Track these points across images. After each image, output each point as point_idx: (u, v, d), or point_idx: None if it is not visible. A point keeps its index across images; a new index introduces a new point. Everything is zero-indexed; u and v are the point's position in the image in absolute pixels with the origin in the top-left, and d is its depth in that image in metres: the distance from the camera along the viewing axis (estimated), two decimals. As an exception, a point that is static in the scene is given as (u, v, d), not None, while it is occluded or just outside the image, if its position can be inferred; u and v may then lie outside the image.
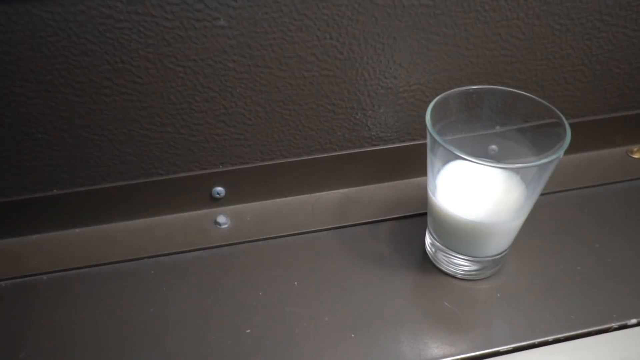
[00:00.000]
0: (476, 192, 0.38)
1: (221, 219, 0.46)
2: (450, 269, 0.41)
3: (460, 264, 0.40)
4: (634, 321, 0.37)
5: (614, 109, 0.50)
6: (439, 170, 0.37)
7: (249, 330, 0.38)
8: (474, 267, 0.40)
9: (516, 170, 0.36)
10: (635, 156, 0.51)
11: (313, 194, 0.48)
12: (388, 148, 0.47)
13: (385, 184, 0.49)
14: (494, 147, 0.40)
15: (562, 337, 0.37)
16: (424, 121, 0.35)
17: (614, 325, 0.37)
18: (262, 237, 0.44)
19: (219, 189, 0.46)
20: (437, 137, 0.34)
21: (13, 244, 0.44)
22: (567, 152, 0.33)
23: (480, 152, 0.40)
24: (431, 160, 0.37)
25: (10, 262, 0.43)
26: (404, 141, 0.47)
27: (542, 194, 0.36)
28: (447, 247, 0.40)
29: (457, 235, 0.38)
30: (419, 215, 0.43)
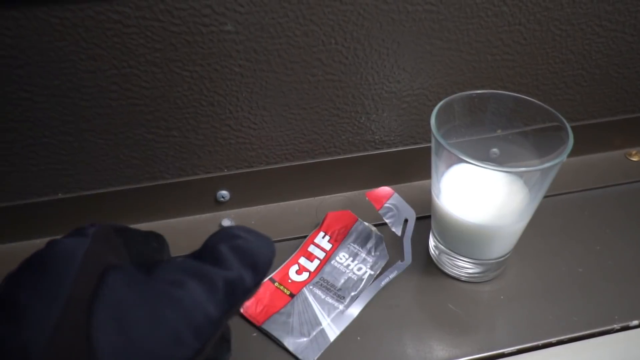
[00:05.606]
0: (480, 195, 0.38)
1: (226, 222, 0.46)
2: (454, 272, 0.41)
3: (463, 267, 0.40)
4: (635, 322, 0.38)
5: (613, 112, 0.51)
6: (443, 173, 0.38)
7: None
8: (477, 270, 0.40)
9: (520, 174, 0.36)
10: (634, 159, 0.52)
11: (317, 197, 0.49)
12: (391, 152, 0.47)
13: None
14: (495, 150, 0.40)
15: (565, 338, 0.37)
16: (427, 125, 0.36)
17: (616, 326, 0.38)
18: (266, 240, 0.45)
19: (224, 192, 0.46)
20: (443, 142, 0.34)
21: (18, 247, 0.44)
22: (567, 155, 0.34)
23: (482, 155, 0.40)
24: (435, 163, 0.37)
25: (15, 266, 0.43)
26: (407, 145, 0.48)
27: (543, 197, 0.37)
28: (450, 250, 0.40)
29: (461, 238, 0.39)
30: (423, 218, 0.44)
